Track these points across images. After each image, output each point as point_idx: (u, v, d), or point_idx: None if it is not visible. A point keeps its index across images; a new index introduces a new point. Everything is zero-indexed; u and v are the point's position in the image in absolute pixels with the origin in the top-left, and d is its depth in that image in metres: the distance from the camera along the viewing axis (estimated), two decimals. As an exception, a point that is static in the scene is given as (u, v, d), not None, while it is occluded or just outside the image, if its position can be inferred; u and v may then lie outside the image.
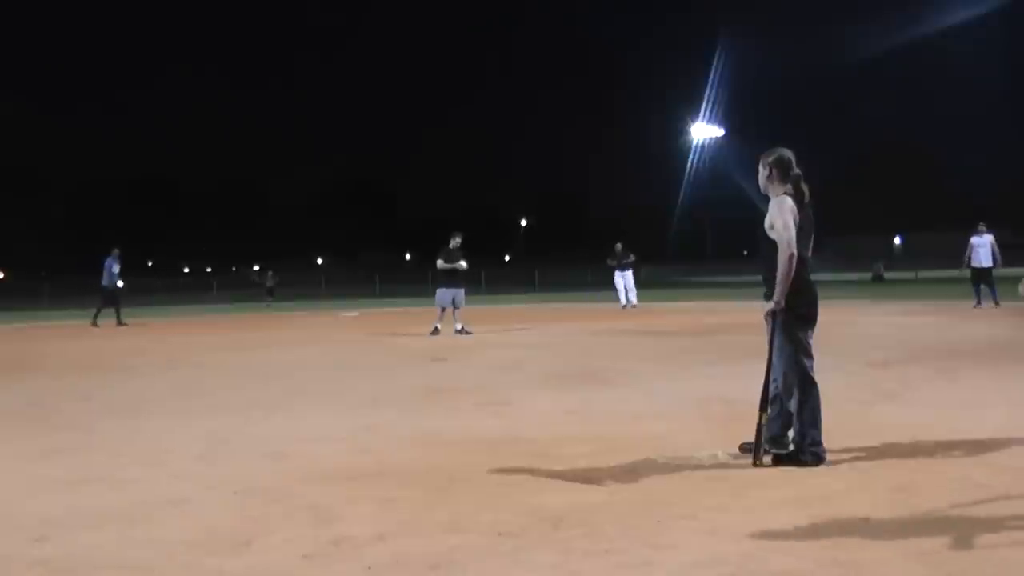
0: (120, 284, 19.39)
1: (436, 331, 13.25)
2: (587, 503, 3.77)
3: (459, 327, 13.42)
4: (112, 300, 19.35)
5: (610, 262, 21.45)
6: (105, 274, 19.07)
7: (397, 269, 71.03)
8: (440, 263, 13.34)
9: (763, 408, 4.44)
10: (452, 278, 13.35)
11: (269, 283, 33.48)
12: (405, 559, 3.11)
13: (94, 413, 6.84)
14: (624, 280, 21.20)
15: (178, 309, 30.58)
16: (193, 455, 5.06)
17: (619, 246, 21.23)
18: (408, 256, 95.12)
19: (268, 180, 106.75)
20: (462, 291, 13.48)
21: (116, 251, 19.21)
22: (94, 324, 19.07)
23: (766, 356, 4.57)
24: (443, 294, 13.39)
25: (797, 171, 4.59)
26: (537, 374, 8.58)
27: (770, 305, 4.49)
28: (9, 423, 6.44)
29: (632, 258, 21.44)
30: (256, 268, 65.19)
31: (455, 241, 13.39)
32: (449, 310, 13.47)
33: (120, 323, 19.22)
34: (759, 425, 4.41)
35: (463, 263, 13.32)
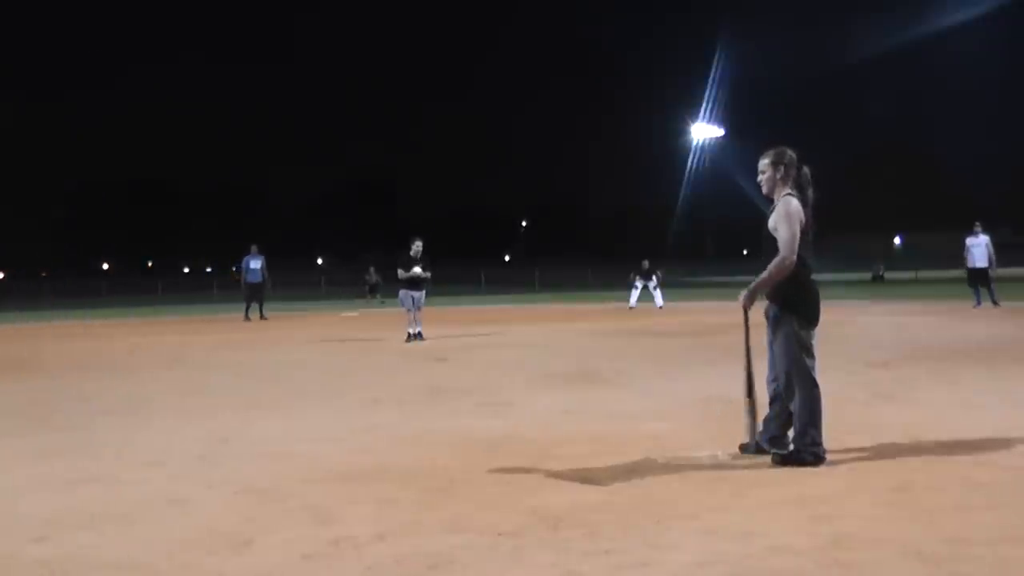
0: (262, 280, 19.63)
1: (410, 337, 12.94)
2: (587, 503, 3.77)
3: (418, 330, 13.07)
4: (256, 295, 19.80)
5: (635, 279, 21.39)
6: (248, 271, 19.49)
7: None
8: (400, 272, 13.00)
9: (748, 395, 4.60)
10: (413, 281, 13.01)
11: (372, 279, 33.40)
12: (405, 559, 3.11)
13: (94, 413, 6.84)
14: (649, 286, 21.23)
15: (178, 309, 30.59)
16: (193, 455, 5.06)
17: (646, 263, 21.31)
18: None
19: (268, 180, 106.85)
20: (422, 294, 13.14)
21: (255, 247, 19.54)
22: (246, 319, 19.84)
23: (744, 349, 4.72)
24: (404, 296, 13.08)
25: (806, 171, 4.58)
26: (537, 374, 8.58)
27: (767, 305, 4.51)
28: (9, 423, 6.44)
29: (659, 276, 21.53)
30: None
31: (416, 247, 12.97)
32: (413, 311, 13.12)
33: (262, 317, 19.81)
34: (749, 409, 4.56)
35: (417, 269, 12.88)
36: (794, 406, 4.39)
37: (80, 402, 7.53)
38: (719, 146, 58.90)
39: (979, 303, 16.84)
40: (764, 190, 4.61)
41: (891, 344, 10.57)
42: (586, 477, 4.22)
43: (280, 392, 7.88)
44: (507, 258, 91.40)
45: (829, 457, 4.35)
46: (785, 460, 4.38)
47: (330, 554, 3.20)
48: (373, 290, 33.07)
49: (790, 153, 4.56)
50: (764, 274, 4.40)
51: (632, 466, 4.42)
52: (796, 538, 3.20)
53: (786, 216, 4.38)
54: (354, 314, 23.42)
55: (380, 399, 7.15)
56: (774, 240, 4.43)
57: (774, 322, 4.49)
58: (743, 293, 4.55)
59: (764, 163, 4.57)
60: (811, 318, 4.43)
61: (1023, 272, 33.92)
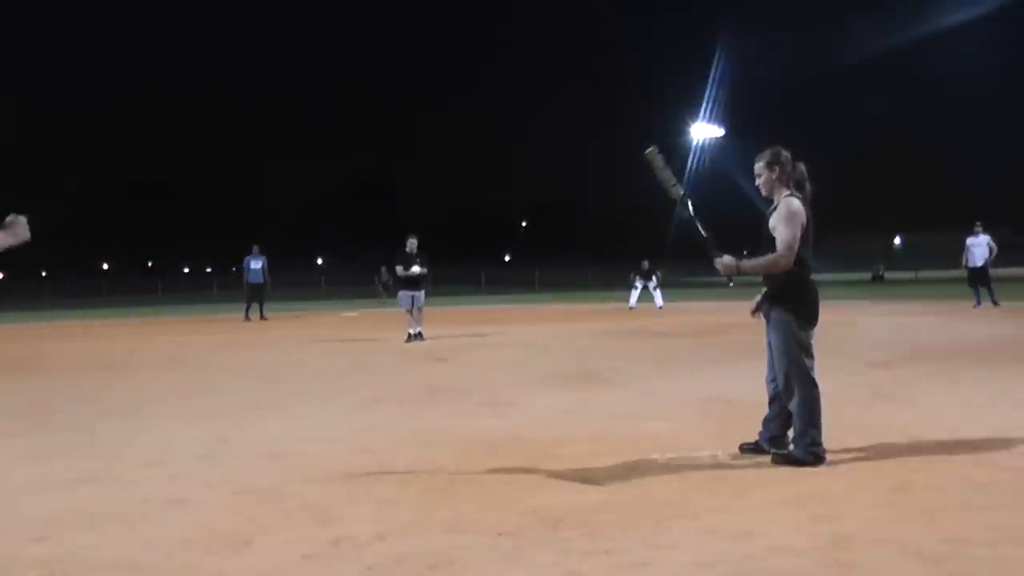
0: (263, 280, 19.62)
1: (410, 337, 12.96)
2: (587, 503, 3.77)
3: (418, 330, 13.08)
4: (257, 295, 19.85)
5: (635, 279, 21.39)
6: (249, 271, 19.52)
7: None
8: (399, 270, 13.09)
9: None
10: (411, 281, 13.07)
11: (384, 278, 33.39)
12: (405, 559, 3.11)
13: (94, 413, 6.84)
14: (648, 286, 21.23)
15: (178, 309, 30.59)
16: (193, 455, 5.06)
17: (646, 263, 21.29)
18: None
19: (268, 180, 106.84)
20: (422, 294, 13.17)
21: (256, 247, 19.53)
22: (246, 319, 19.90)
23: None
24: (403, 297, 13.12)
25: (801, 167, 4.56)
26: (537, 374, 8.58)
27: (765, 305, 4.49)
28: (9, 423, 6.44)
29: (659, 276, 21.50)
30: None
31: (411, 245, 13.03)
32: (413, 311, 13.12)
33: (262, 318, 19.88)
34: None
35: (416, 268, 12.93)
36: (792, 406, 4.38)
37: (80, 402, 7.53)
38: (719, 146, 58.83)
39: (979, 303, 16.84)
40: (763, 193, 4.59)
41: (891, 344, 10.57)
42: (586, 477, 4.21)
43: (280, 392, 7.87)
44: (507, 258, 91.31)
45: (829, 457, 4.35)
46: (785, 460, 4.38)
47: (330, 554, 3.20)
48: (385, 288, 33.15)
49: (784, 152, 4.55)
50: (756, 261, 4.40)
51: (632, 466, 4.42)
52: (796, 538, 3.20)
53: (787, 217, 4.36)
54: (354, 314, 23.42)
55: (380, 399, 7.15)
56: (773, 240, 4.42)
57: (773, 322, 4.49)
58: (728, 259, 4.51)
59: (759, 166, 4.55)
60: (810, 318, 4.43)
61: (1023, 272, 33.93)
